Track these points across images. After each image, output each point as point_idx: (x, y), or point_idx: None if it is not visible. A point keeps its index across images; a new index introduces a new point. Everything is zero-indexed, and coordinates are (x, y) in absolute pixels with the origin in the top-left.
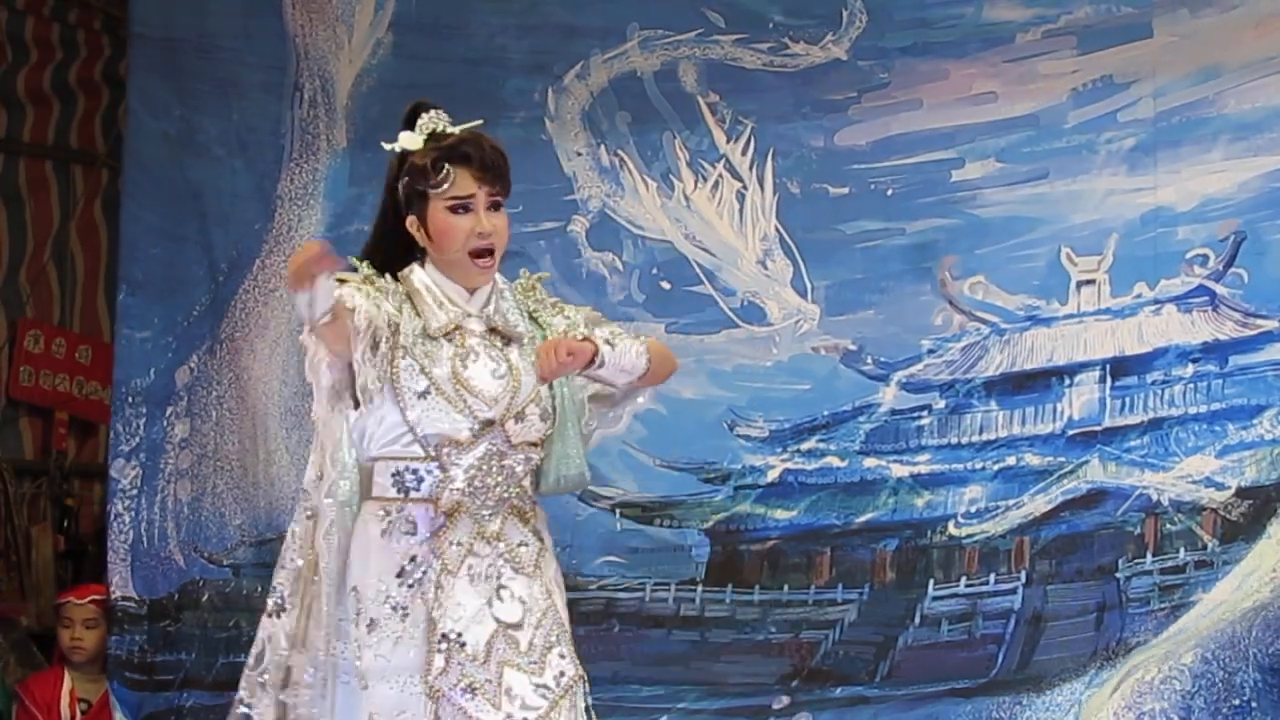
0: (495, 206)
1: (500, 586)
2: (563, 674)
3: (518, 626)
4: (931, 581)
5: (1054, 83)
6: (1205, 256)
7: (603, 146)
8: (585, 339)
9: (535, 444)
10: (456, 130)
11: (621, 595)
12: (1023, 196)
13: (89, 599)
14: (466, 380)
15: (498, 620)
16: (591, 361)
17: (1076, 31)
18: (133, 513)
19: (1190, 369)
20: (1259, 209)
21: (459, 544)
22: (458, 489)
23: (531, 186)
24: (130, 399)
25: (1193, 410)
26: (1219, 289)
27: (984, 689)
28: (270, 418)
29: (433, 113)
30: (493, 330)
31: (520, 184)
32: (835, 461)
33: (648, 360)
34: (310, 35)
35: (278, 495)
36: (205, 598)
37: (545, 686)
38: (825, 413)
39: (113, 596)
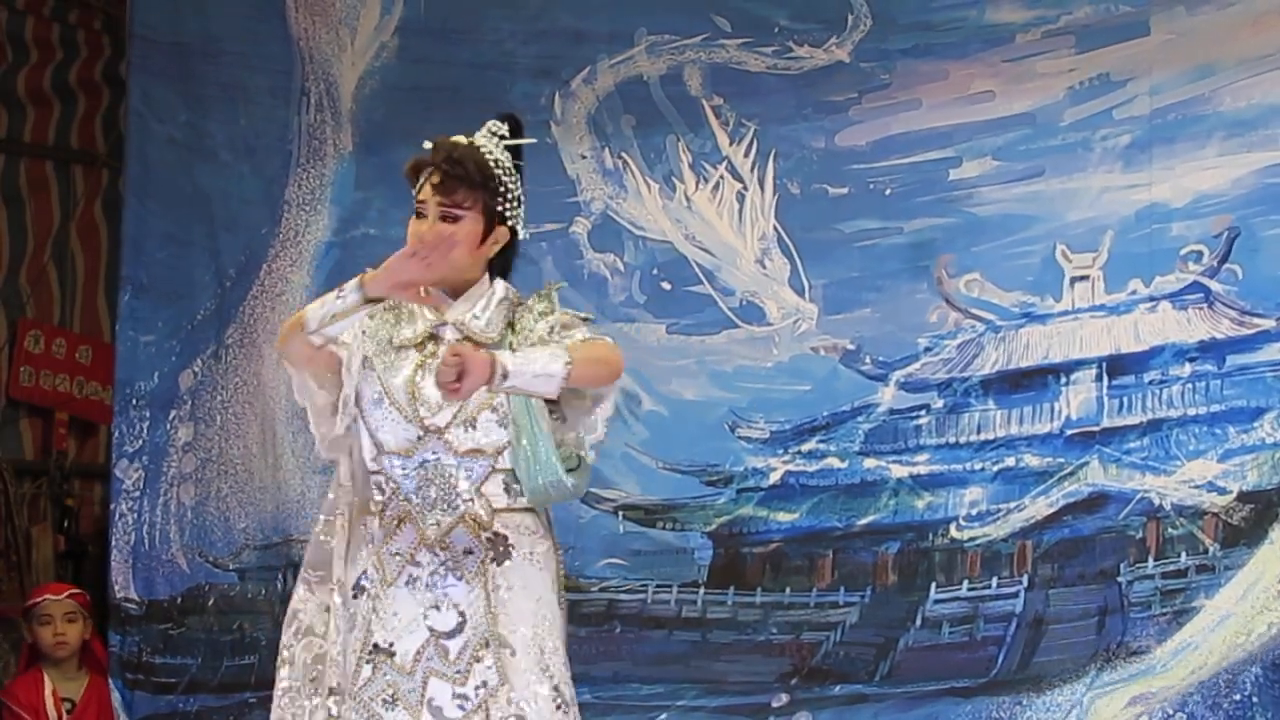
0: (448, 218)
1: (442, 595)
2: (484, 683)
3: (450, 635)
4: (933, 584)
5: (1051, 81)
6: (1200, 253)
7: (607, 149)
8: (489, 356)
9: (486, 452)
10: (461, 139)
11: (624, 597)
12: (1019, 194)
13: (66, 594)
14: (419, 388)
15: (431, 629)
16: (491, 374)
17: (1075, 31)
18: (135, 514)
19: (1188, 368)
20: (1253, 205)
21: (399, 554)
22: (404, 499)
23: (535, 189)
24: (134, 401)
25: (1192, 412)
26: (1214, 285)
27: (984, 689)
28: (278, 422)
29: (489, 124)
30: (466, 338)
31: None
32: (836, 463)
33: (566, 364)
34: (314, 38)
35: (285, 499)
36: (210, 602)
37: (464, 696)
38: (825, 413)
39: (116, 596)
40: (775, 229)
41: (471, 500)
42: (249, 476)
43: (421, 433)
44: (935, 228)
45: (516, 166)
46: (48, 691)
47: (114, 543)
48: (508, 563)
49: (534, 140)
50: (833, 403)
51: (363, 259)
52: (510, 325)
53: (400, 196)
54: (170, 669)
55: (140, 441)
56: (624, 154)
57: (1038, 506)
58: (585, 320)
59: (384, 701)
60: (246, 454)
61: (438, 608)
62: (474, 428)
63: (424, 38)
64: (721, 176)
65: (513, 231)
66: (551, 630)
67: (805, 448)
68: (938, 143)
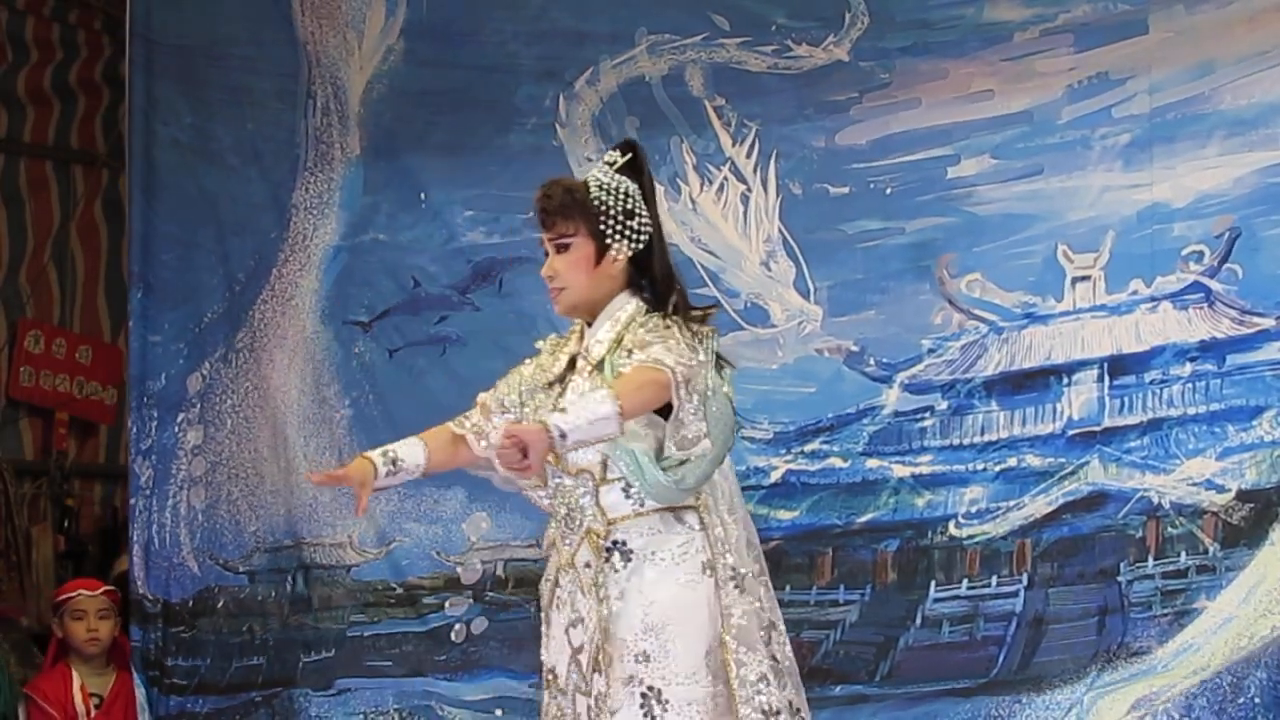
0: (560, 249)
1: (574, 612)
2: (599, 694)
3: (581, 650)
4: (933, 583)
5: (1050, 80)
6: (1200, 253)
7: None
8: (540, 424)
9: (592, 468)
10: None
11: None
12: (1018, 193)
13: (101, 590)
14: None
15: (570, 646)
16: (550, 440)
17: (1074, 29)
18: (146, 514)
19: (1188, 368)
20: (1254, 205)
21: (549, 579)
22: (551, 525)
23: None
24: (145, 399)
25: (1192, 411)
26: (1214, 285)
27: (983, 689)
28: (289, 426)
29: (606, 154)
30: (594, 367)
31: (530, 190)
32: (838, 463)
33: (615, 403)
34: (321, 42)
35: (296, 503)
36: (220, 604)
37: (590, 708)
38: (830, 415)
39: (137, 591)
40: (780, 231)
41: (592, 515)
42: (259, 480)
43: (553, 459)
44: (936, 227)
45: (641, 183)
46: (76, 687)
47: (134, 537)
48: (625, 569)
49: (620, 158)
50: (838, 404)
51: (372, 263)
52: (618, 341)
53: (408, 200)
54: (182, 671)
55: (149, 440)
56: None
57: (1037, 505)
58: (679, 322)
59: (552, 714)
60: (257, 457)
61: (574, 625)
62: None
63: (428, 40)
64: (725, 178)
65: (636, 245)
66: (659, 632)
67: (808, 448)
68: (937, 141)
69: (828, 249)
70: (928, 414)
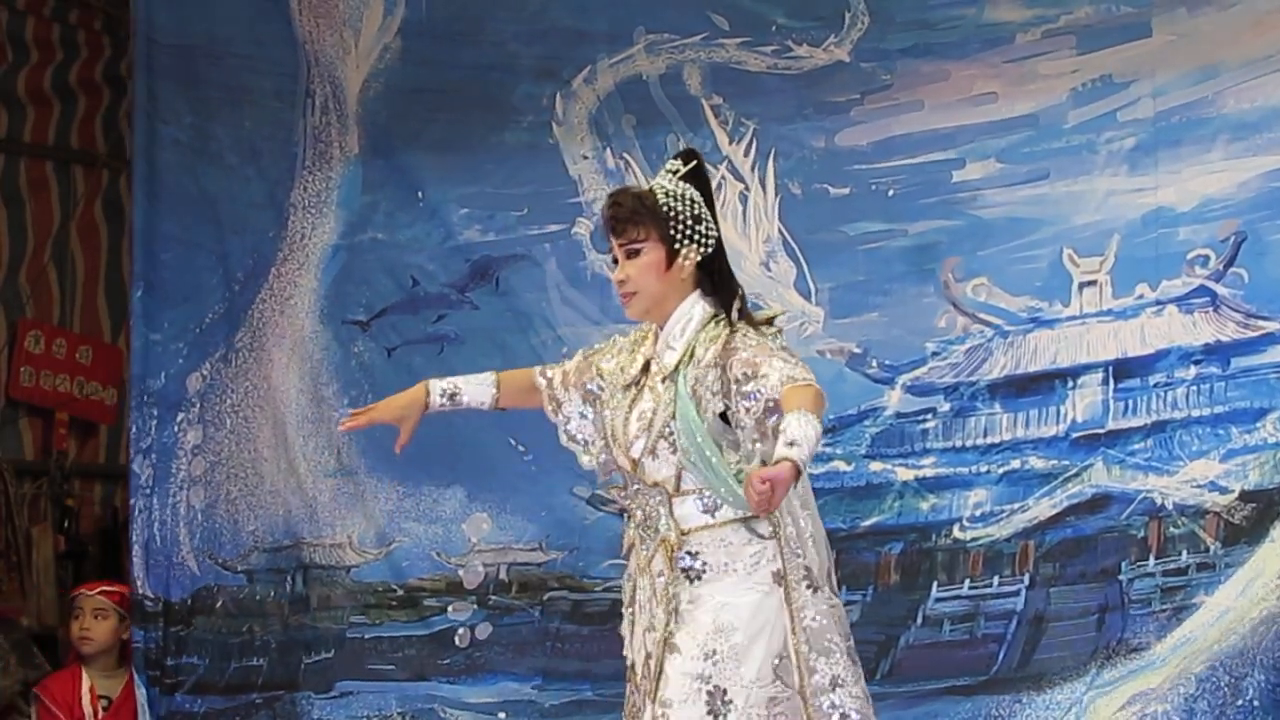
0: (631, 254)
1: (650, 616)
2: (660, 699)
3: (650, 656)
4: (935, 583)
5: (1054, 83)
6: (1206, 257)
7: (608, 150)
8: (783, 460)
9: (668, 479)
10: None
11: None
12: (1024, 197)
13: (98, 590)
14: (626, 424)
15: (646, 648)
16: (797, 475)
17: (1076, 31)
18: (146, 513)
19: (1193, 371)
20: (1259, 209)
21: (629, 578)
22: (631, 528)
23: (538, 189)
24: (145, 398)
25: (1196, 413)
26: (1220, 289)
27: (984, 686)
28: (289, 426)
29: (667, 163)
30: (665, 378)
31: (526, 187)
32: (842, 465)
33: (819, 423)
34: (319, 41)
35: (296, 503)
36: (219, 603)
37: (655, 716)
38: (831, 417)
39: (139, 592)
40: (780, 231)
41: (667, 525)
42: (259, 480)
43: (630, 465)
44: (940, 230)
45: (703, 189)
46: (85, 688)
47: (135, 538)
48: (698, 582)
49: (685, 166)
50: (839, 406)
51: (370, 262)
52: (690, 353)
53: (406, 199)
54: (179, 669)
55: (149, 439)
56: (626, 154)
57: (1041, 507)
58: (769, 334)
59: (632, 717)
60: (256, 457)
61: (649, 630)
62: (656, 457)
63: (426, 39)
64: (723, 177)
65: (705, 249)
66: (729, 634)
67: None
68: (940, 144)
69: (829, 250)
70: (930, 416)
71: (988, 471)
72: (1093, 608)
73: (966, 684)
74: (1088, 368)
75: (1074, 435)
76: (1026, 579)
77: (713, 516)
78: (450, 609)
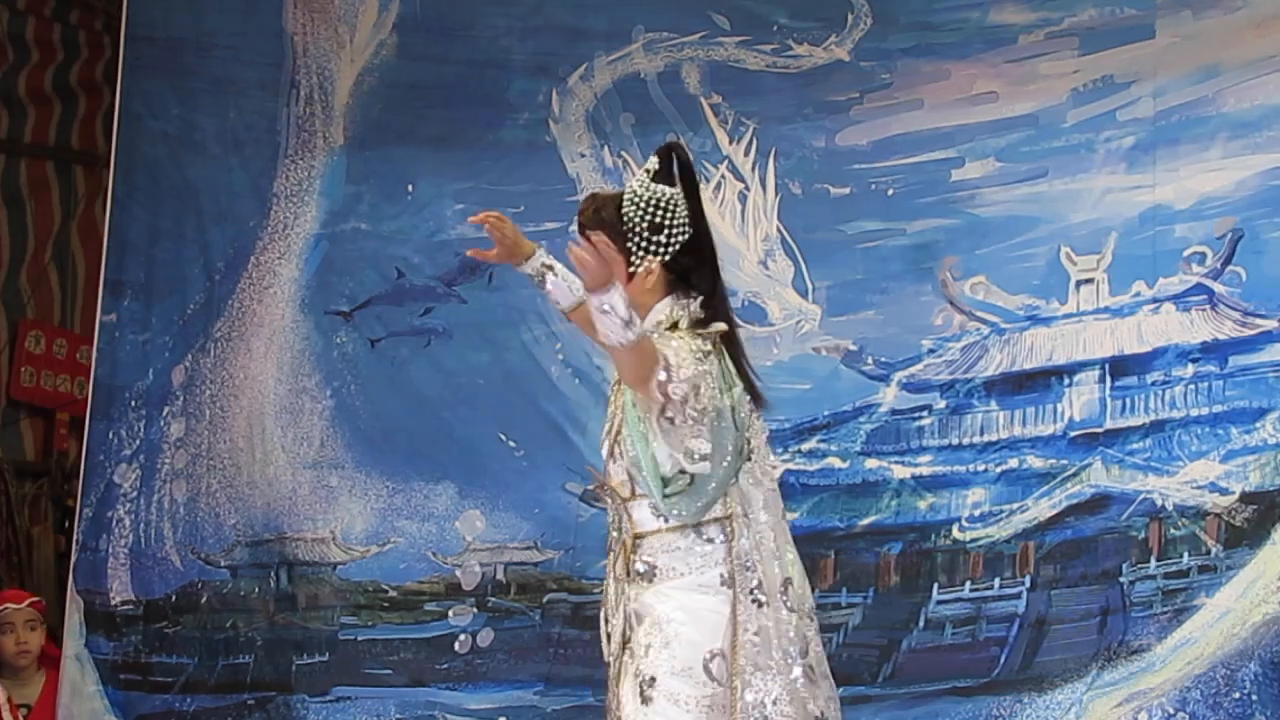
0: None
1: (617, 620)
2: (618, 700)
3: (616, 657)
4: (935, 585)
5: (1054, 83)
6: (1203, 255)
7: (606, 148)
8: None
9: (622, 483)
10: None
11: None
12: (1022, 196)
13: (27, 602)
14: (602, 430)
15: (614, 650)
16: (602, 285)
17: (1079, 33)
18: (132, 516)
19: (1190, 369)
20: (1256, 207)
21: (607, 581)
22: (611, 533)
23: (535, 187)
24: (132, 402)
25: (1194, 413)
26: (1217, 287)
27: (985, 688)
28: (266, 417)
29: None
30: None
31: (523, 185)
32: (837, 463)
33: (623, 343)
34: (311, 34)
35: (275, 496)
36: (204, 600)
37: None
38: (826, 413)
39: (112, 602)
40: (778, 230)
41: (626, 529)
42: (237, 471)
43: (605, 469)
44: (938, 229)
45: (687, 182)
46: (2, 699)
47: (111, 548)
48: (648, 585)
49: (647, 168)
50: (833, 402)
51: (352, 252)
52: None
53: (393, 192)
54: (166, 668)
55: (139, 440)
56: (623, 152)
57: (1040, 508)
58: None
59: (612, 714)
60: (233, 449)
61: (617, 630)
62: (615, 462)
63: (422, 35)
64: (723, 176)
65: (664, 256)
66: (663, 626)
67: (806, 447)
68: (940, 143)
69: (827, 249)
70: (925, 413)
71: (985, 470)
72: (1094, 610)
73: (968, 686)
74: (1084, 365)
75: (1072, 434)
76: (1028, 581)
77: (665, 521)
78: (451, 614)
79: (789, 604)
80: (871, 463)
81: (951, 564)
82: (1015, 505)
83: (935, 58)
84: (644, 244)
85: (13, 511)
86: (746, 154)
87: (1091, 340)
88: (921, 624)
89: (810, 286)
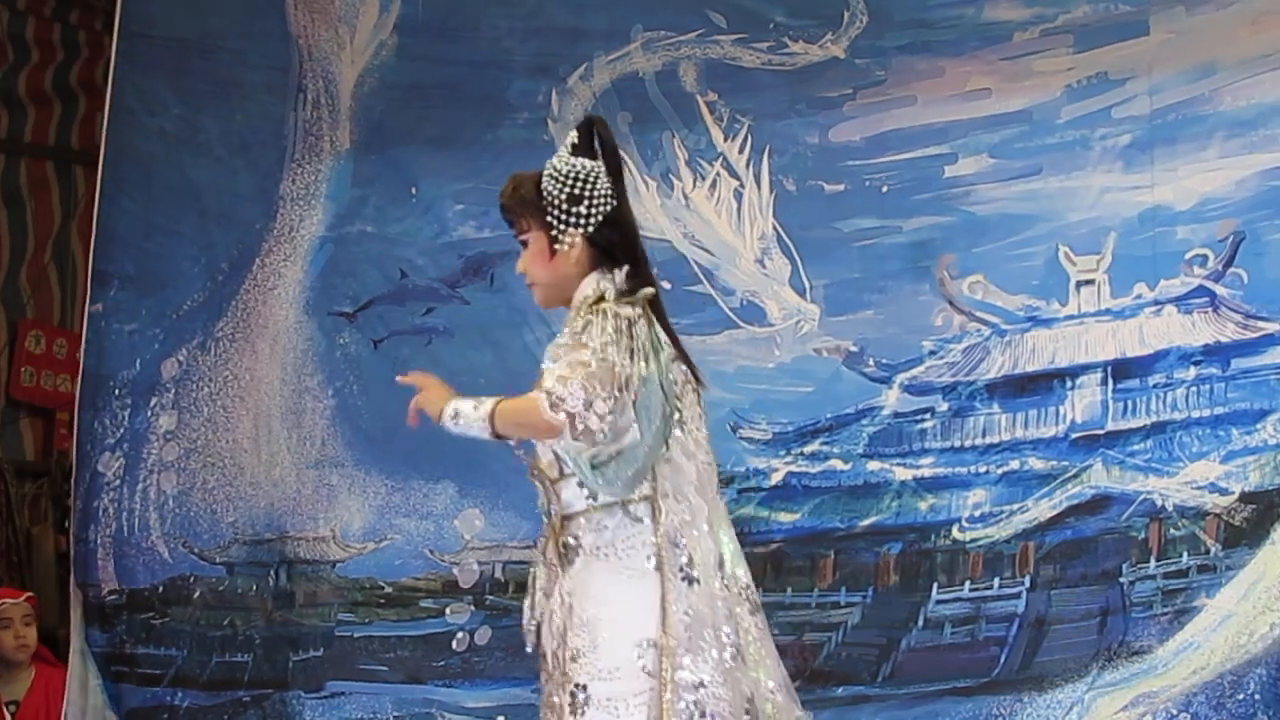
0: (524, 245)
1: (547, 606)
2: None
3: (558, 646)
4: (935, 585)
5: (1049, 79)
6: (1204, 257)
7: None
8: (444, 403)
9: (545, 464)
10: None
11: None
12: (1017, 193)
13: (24, 597)
14: None
15: (553, 638)
16: (439, 413)
17: (1073, 29)
18: (115, 504)
19: (1192, 371)
20: (1257, 208)
21: (538, 565)
22: (543, 517)
23: None
24: (117, 390)
25: (1195, 414)
26: (1219, 289)
27: (985, 688)
28: (273, 419)
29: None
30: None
31: None
32: (839, 464)
33: (490, 432)
34: (313, 36)
35: (279, 496)
36: (196, 594)
37: (549, 705)
38: (828, 415)
39: (101, 593)
40: (775, 228)
41: (555, 510)
42: (238, 471)
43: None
44: (935, 227)
45: (612, 153)
46: None
47: (99, 538)
48: (573, 566)
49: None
50: (836, 405)
51: (357, 254)
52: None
53: (397, 194)
54: (155, 660)
55: (122, 429)
56: (621, 152)
57: (1040, 508)
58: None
59: (545, 705)
60: (236, 448)
61: (551, 616)
62: (542, 442)
63: (422, 36)
64: (718, 174)
65: (586, 228)
66: (590, 627)
67: (808, 449)
68: (933, 139)
69: (824, 247)
70: (928, 415)
71: (986, 472)
72: (1094, 610)
73: (968, 686)
74: (1086, 368)
75: (1073, 436)
76: (1027, 581)
77: (594, 500)
78: (448, 611)
79: (723, 581)
80: (873, 465)
81: (951, 564)
82: (1015, 506)
83: (930, 54)
84: (564, 216)
85: (13, 511)
86: (741, 151)
87: (1093, 342)
88: (921, 623)
89: (808, 285)
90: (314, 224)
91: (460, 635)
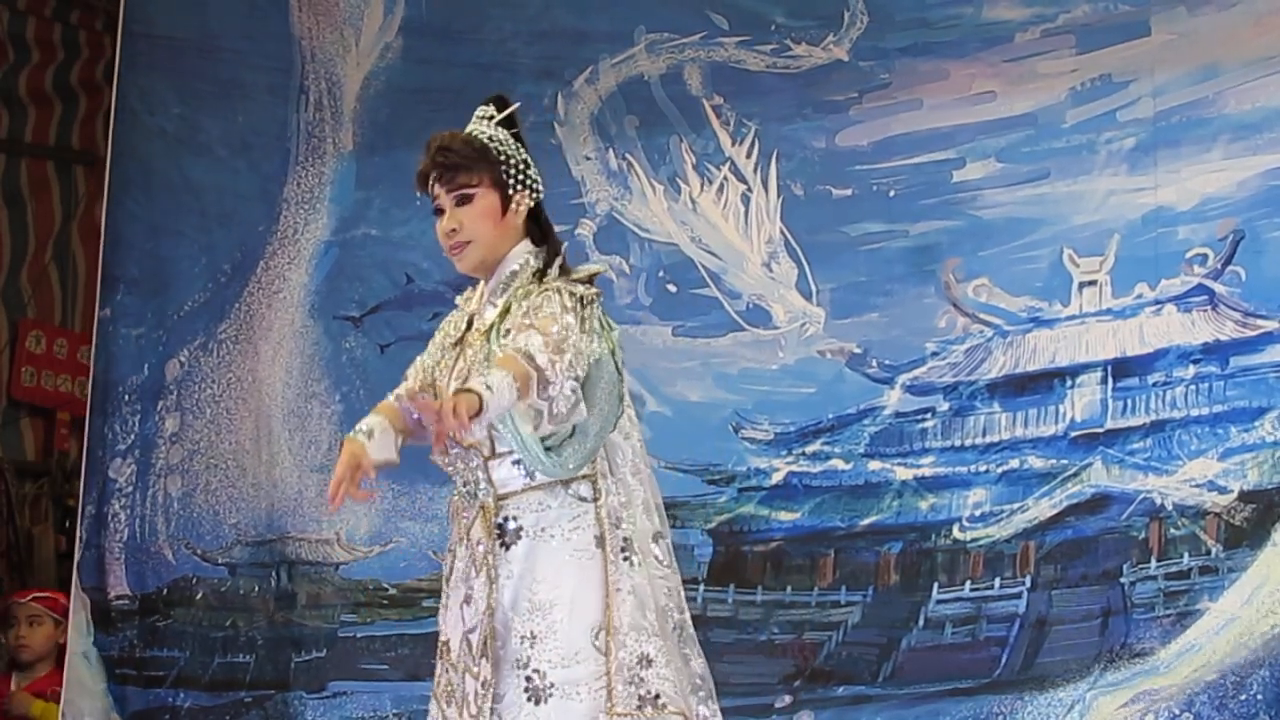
0: (462, 200)
1: (469, 588)
2: (485, 680)
3: (473, 630)
4: (936, 585)
5: (1052, 82)
6: (1204, 256)
7: (611, 150)
8: (467, 390)
9: (482, 442)
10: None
11: None
12: (1024, 197)
13: (30, 597)
14: (449, 385)
15: (464, 623)
16: (480, 412)
17: (1075, 30)
18: (128, 510)
19: (1191, 370)
20: (1257, 208)
21: (450, 550)
22: (453, 494)
23: None
24: (127, 396)
25: (1194, 412)
26: (1218, 288)
27: (986, 688)
28: (274, 420)
29: (476, 111)
30: (485, 332)
31: None
32: (840, 464)
33: (516, 391)
34: (317, 38)
35: (280, 497)
36: (199, 595)
37: (477, 692)
38: (830, 415)
39: (109, 598)
40: (782, 232)
41: (485, 490)
42: (241, 472)
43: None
44: (941, 230)
45: (516, 137)
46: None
47: (107, 543)
48: (515, 548)
49: (517, 104)
50: (838, 405)
51: (362, 257)
52: (508, 309)
53: (402, 196)
54: (158, 662)
55: (133, 436)
56: (628, 155)
57: (1040, 507)
58: (576, 295)
59: (446, 697)
60: (238, 449)
61: (467, 601)
62: None
63: (427, 38)
64: (725, 178)
65: (536, 195)
66: (546, 612)
67: (810, 450)
68: (940, 144)
69: (831, 251)
70: (929, 415)
71: (986, 471)
72: (1095, 611)
73: (969, 686)
74: (1087, 367)
75: (1073, 434)
76: (1028, 581)
77: (531, 479)
78: None
79: (661, 559)
80: (875, 464)
81: (951, 563)
82: (1015, 505)
83: (933, 57)
84: (522, 178)
85: (13, 511)
86: (749, 155)
87: (1094, 342)
88: (921, 623)
89: (814, 289)
90: (318, 227)
91: None
